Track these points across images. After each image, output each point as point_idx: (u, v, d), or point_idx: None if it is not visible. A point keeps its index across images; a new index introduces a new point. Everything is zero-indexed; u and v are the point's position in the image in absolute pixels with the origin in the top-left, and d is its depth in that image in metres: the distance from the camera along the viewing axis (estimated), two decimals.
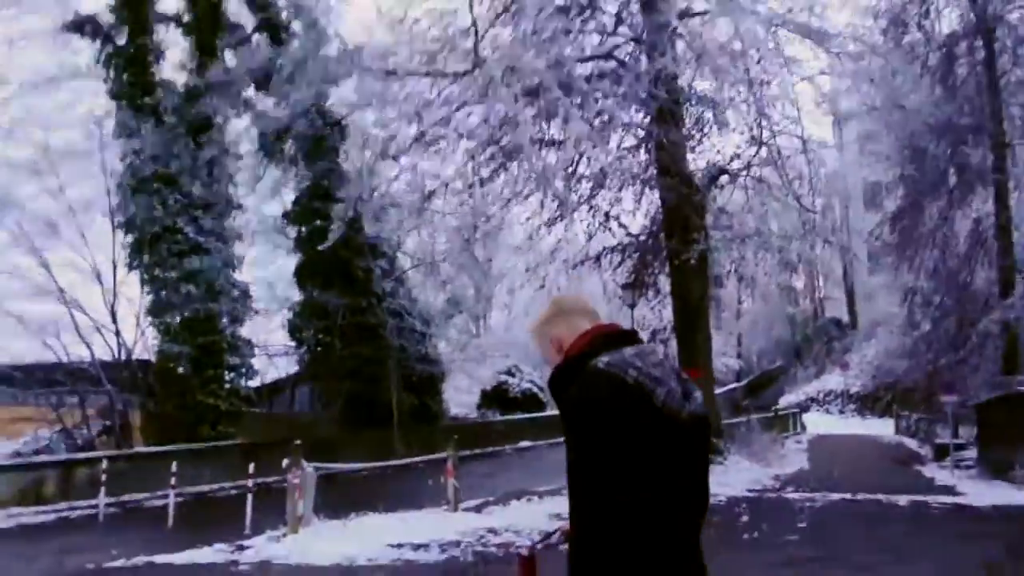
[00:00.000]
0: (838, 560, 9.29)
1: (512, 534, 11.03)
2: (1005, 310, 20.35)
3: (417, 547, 10.04)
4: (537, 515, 12.84)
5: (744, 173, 19.04)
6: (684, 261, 18.37)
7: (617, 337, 2.46)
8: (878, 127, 24.58)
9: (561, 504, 13.81)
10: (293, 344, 25.28)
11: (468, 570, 9.10)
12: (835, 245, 24.25)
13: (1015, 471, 17.21)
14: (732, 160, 18.93)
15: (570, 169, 18.54)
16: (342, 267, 23.20)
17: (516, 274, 24.61)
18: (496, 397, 29.02)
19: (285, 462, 11.14)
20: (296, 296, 24.70)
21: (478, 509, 13.50)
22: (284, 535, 10.51)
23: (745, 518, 12.47)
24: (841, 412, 35.04)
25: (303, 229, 24.29)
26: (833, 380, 39.28)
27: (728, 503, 14.03)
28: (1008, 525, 12.41)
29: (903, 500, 14.93)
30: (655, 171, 18.58)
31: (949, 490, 16.83)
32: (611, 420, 2.21)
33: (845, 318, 48.66)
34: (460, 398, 28.79)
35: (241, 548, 10.22)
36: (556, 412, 2.46)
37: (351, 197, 18.85)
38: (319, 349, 24.60)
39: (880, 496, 15.48)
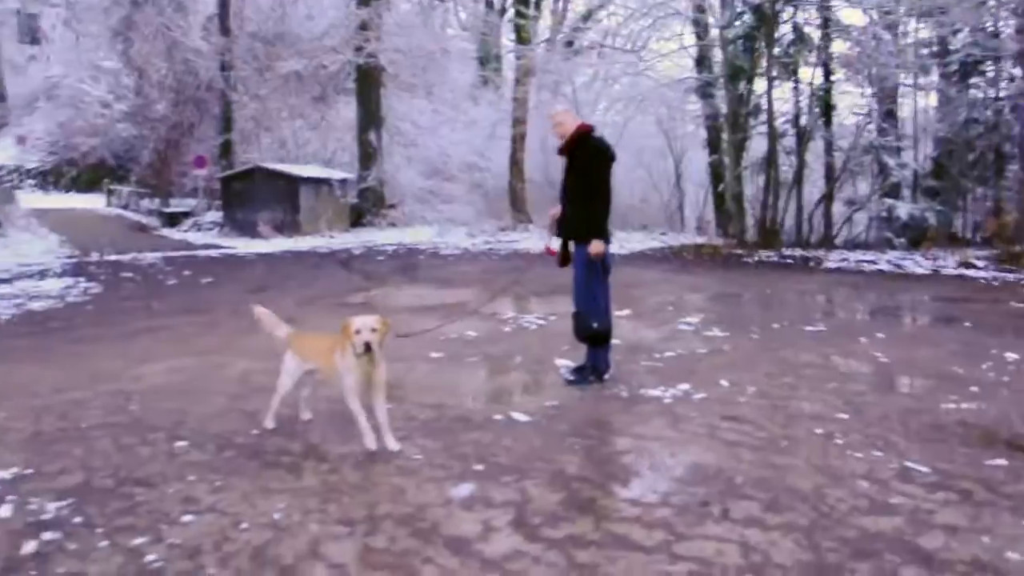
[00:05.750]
0: (280, 289, 11.94)
1: None
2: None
3: None
4: None
5: None
6: None
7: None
8: None
9: None
10: None
11: None
12: None
13: (259, 228, 22.06)
14: None
15: None
16: None
17: None
18: None
19: None
20: None
21: None
22: None
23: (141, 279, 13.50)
24: (21, 187, 33.33)
25: None
26: (6, 155, 36.62)
27: (78, 269, 14.52)
28: (271, 261, 16.81)
29: (201, 254, 17.99)
30: None
31: (216, 246, 20.46)
32: (611, 156, 5.67)
33: None
34: None
35: None
36: None
37: None
38: None
39: (175, 253, 18.11)
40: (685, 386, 5.52)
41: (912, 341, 7.42)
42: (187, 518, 3.47)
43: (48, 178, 35.05)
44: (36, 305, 10.22)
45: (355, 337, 4.16)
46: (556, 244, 5.91)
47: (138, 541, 3.25)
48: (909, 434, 4.43)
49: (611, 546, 3.10)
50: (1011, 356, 6.38)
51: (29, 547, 3.22)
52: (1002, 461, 3.97)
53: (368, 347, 4.13)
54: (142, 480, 3.95)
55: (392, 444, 4.30)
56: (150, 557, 3.11)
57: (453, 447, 4.34)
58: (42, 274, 13.57)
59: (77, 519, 3.49)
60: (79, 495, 3.76)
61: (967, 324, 8.20)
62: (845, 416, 4.80)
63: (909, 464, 3.94)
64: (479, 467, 4.01)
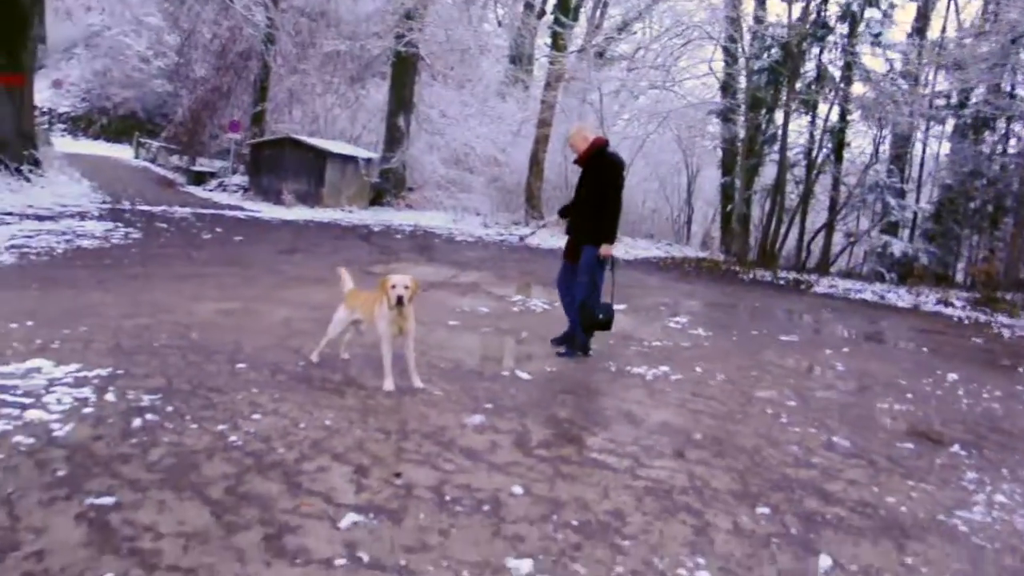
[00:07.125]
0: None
1: None
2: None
3: None
4: None
5: None
6: None
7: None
8: None
9: None
10: None
11: None
12: None
13: (283, 196, 22.96)
14: None
15: None
16: None
17: None
18: None
19: None
20: None
21: None
22: None
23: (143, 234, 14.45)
24: (52, 130, 34.28)
25: None
26: (41, 97, 37.52)
27: (114, 215, 15.45)
28: (296, 228, 17.80)
29: (228, 213, 18.89)
30: None
31: (241, 208, 21.32)
32: (622, 170, 6.57)
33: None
34: None
35: None
36: None
37: None
38: None
39: (204, 210, 18.92)
40: (665, 368, 6.44)
41: (871, 357, 8.34)
42: (256, 416, 4.38)
43: (79, 124, 36.04)
44: (86, 243, 11.15)
45: (390, 292, 5.06)
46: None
47: (220, 427, 4.16)
48: (842, 420, 5.36)
49: (589, 465, 4.03)
50: (952, 376, 7.31)
51: (137, 423, 4.13)
52: (910, 445, 4.91)
53: (400, 300, 5.00)
54: (214, 388, 4.85)
55: (417, 383, 5.21)
56: (232, 438, 4.02)
57: (468, 390, 5.26)
58: (82, 216, 14.49)
59: (169, 408, 4.39)
60: (165, 393, 4.66)
61: (925, 349, 9.13)
62: (794, 403, 5.73)
63: (835, 439, 4.87)
64: (488, 405, 4.93)
